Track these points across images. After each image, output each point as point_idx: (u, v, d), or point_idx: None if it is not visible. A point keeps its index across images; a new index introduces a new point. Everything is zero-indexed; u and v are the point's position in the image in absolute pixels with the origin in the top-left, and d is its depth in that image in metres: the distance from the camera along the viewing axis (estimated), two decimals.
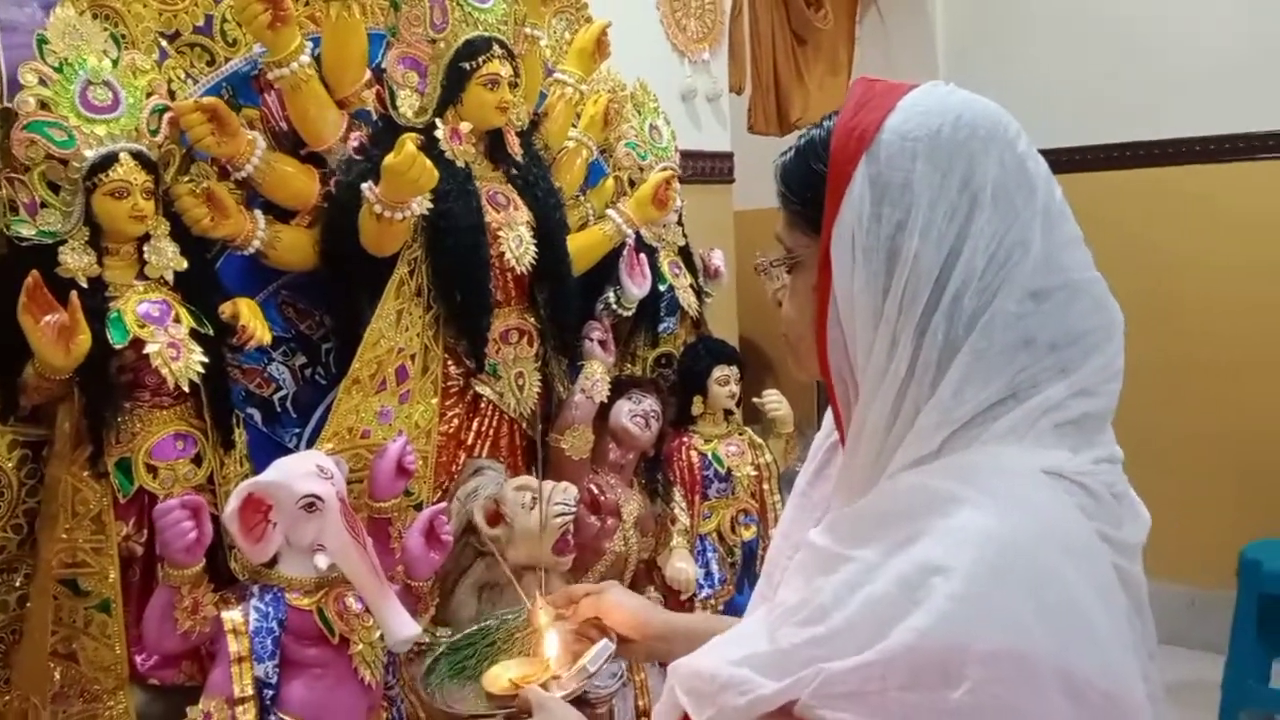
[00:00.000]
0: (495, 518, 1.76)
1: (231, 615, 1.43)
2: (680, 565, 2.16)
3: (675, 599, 2.18)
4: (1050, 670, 0.74)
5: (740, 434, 2.33)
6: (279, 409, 1.77)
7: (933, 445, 0.83)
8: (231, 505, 1.38)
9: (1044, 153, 0.89)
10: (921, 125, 0.84)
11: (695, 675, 0.94)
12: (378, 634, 1.49)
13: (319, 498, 1.43)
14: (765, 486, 2.32)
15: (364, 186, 1.61)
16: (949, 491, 0.80)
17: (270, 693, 1.41)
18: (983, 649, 0.73)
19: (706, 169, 3.06)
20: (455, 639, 1.25)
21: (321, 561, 1.44)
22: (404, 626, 1.43)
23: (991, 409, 0.83)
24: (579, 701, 1.13)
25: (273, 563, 1.47)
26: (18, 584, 1.53)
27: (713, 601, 2.24)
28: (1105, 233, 0.91)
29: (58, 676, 1.49)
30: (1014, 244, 0.83)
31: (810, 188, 0.88)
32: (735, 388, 2.27)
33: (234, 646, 1.41)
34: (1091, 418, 0.86)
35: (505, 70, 1.80)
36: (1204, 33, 3.67)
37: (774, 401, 2.38)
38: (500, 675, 1.14)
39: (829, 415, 1.02)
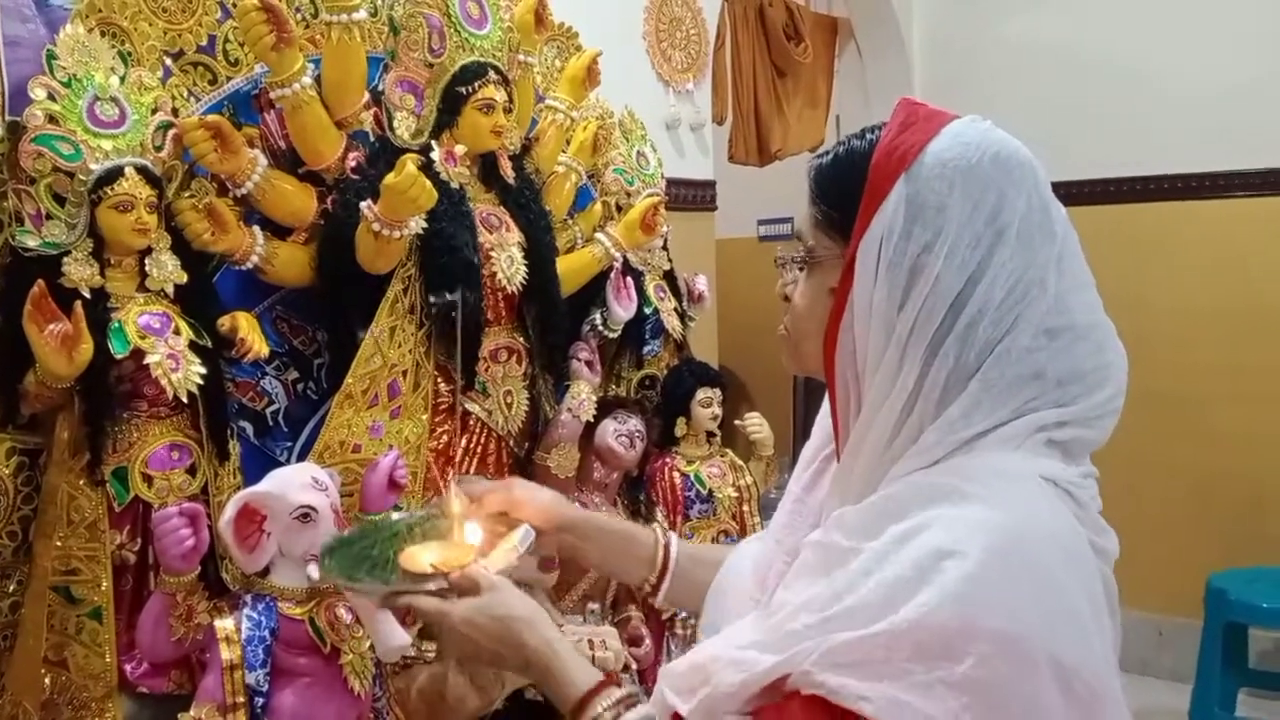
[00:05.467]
0: None
1: (224, 623, 1.45)
2: None
3: (656, 618, 2.21)
4: (1044, 657, 0.78)
5: (722, 456, 2.37)
6: (271, 423, 1.79)
7: (933, 458, 0.88)
8: (227, 515, 1.41)
9: None
10: (962, 155, 0.89)
11: (689, 669, 0.96)
12: (367, 644, 1.51)
13: (313, 509, 1.45)
14: (746, 508, 2.35)
15: (363, 205, 1.64)
16: (956, 487, 0.84)
17: (261, 700, 1.43)
18: (986, 627, 0.77)
19: (690, 196, 3.12)
20: (348, 533, 1.18)
21: (314, 571, 1.46)
22: (393, 636, 1.45)
23: (994, 428, 0.88)
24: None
25: (265, 572, 1.49)
26: (11, 590, 1.54)
27: (693, 622, 2.26)
28: None
29: (48, 683, 1.49)
30: (1031, 282, 0.88)
31: (844, 194, 0.92)
32: (718, 410, 2.31)
33: (226, 654, 1.43)
34: (1080, 443, 0.91)
35: (500, 95, 1.84)
36: (1174, 75, 3.79)
37: (755, 424, 2.43)
38: (418, 556, 1.07)
39: (819, 422, 1.06)
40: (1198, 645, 3.44)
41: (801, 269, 1.00)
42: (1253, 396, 3.78)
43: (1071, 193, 3.93)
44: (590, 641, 1.79)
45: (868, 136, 0.94)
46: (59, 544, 1.48)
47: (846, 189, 0.92)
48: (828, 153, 0.98)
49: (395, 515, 1.20)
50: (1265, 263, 3.74)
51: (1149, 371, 3.63)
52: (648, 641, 2.12)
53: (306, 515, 1.45)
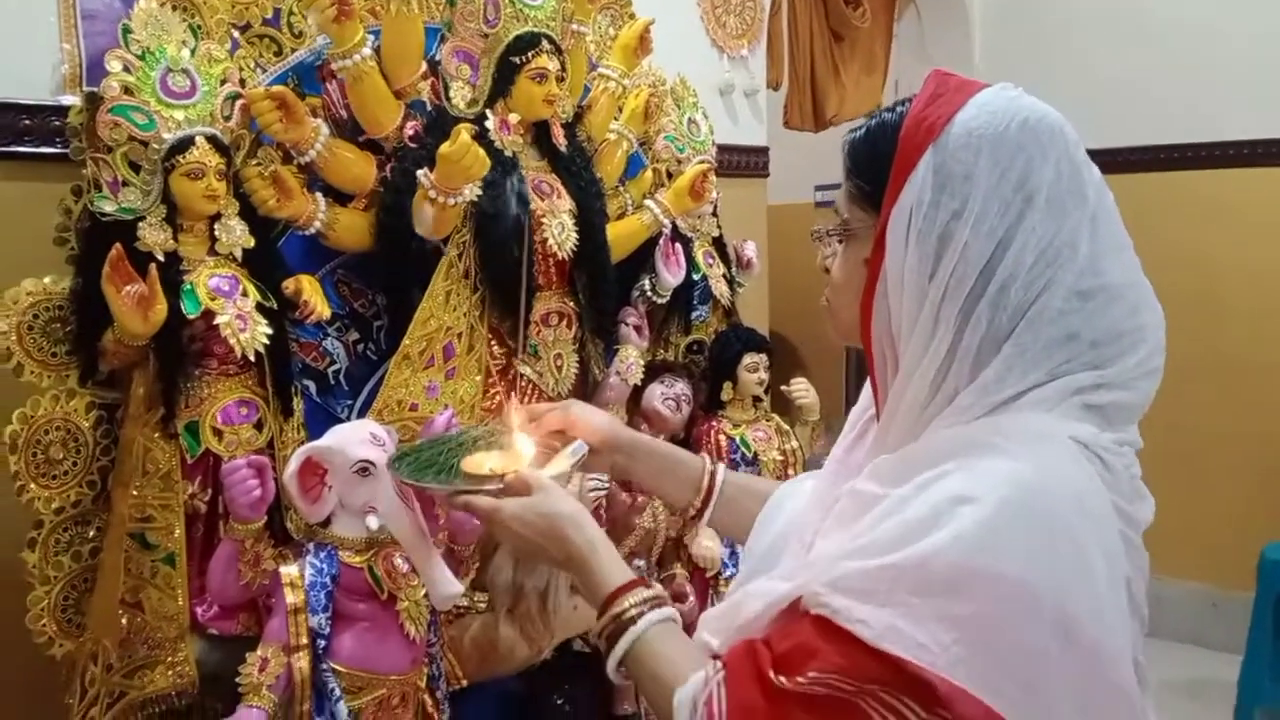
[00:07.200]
0: None
1: (289, 570, 1.53)
2: (707, 544, 2.24)
3: (701, 576, 2.27)
4: (1050, 605, 0.81)
5: (768, 420, 2.40)
6: (332, 381, 1.87)
7: (968, 419, 0.90)
8: (291, 467, 1.48)
9: None
10: (989, 124, 0.90)
11: (723, 610, 1.01)
12: (422, 592, 1.59)
13: (372, 463, 1.52)
14: (790, 472, 2.38)
15: (419, 173, 1.70)
16: (984, 440, 0.87)
17: (322, 643, 1.51)
18: (992, 571, 0.80)
19: (742, 163, 3.14)
20: (419, 443, 1.25)
21: (372, 522, 1.53)
22: (447, 584, 1.52)
23: (1028, 390, 0.90)
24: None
25: (326, 523, 1.57)
26: (90, 535, 1.63)
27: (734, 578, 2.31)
28: (1143, 234, 0.97)
29: (125, 623, 1.59)
30: (1063, 245, 0.89)
31: (876, 167, 0.94)
32: (764, 375, 2.34)
33: (291, 598, 1.50)
34: (1120, 408, 0.92)
35: (553, 65, 1.88)
36: (1243, 36, 3.69)
37: (801, 390, 2.45)
38: (481, 462, 1.15)
39: (866, 388, 1.09)
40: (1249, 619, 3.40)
41: (840, 241, 1.03)
42: None
43: (1131, 159, 3.88)
44: None
45: (898, 109, 0.96)
46: (135, 493, 1.57)
47: (877, 162, 0.94)
48: (861, 127, 1.00)
49: (458, 430, 1.28)
50: None
51: (1214, 340, 3.61)
52: (692, 598, 2.18)
53: (365, 469, 1.51)
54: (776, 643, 0.89)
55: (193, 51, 1.58)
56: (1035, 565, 0.81)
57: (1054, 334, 0.89)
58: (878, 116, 0.99)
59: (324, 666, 1.51)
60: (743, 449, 2.33)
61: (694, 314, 2.40)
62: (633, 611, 1.01)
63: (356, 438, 1.54)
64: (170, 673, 1.59)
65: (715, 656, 1.00)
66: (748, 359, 2.33)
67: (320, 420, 1.79)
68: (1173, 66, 3.81)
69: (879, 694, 0.83)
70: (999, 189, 0.89)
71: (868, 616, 0.83)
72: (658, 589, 1.05)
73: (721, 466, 1.33)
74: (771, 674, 0.87)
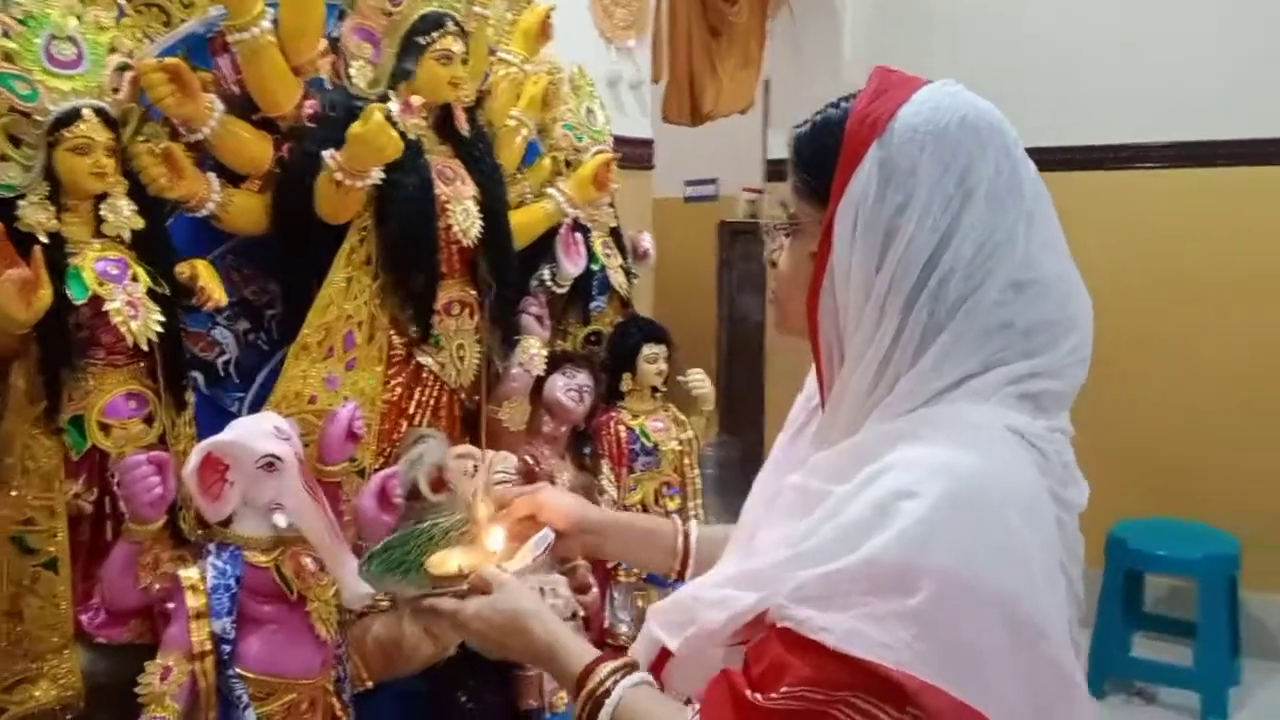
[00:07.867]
0: (439, 484, 1.80)
1: (189, 572, 1.44)
2: None
3: (602, 567, 2.26)
4: (991, 597, 0.83)
5: (665, 410, 2.41)
6: (222, 373, 1.77)
7: (907, 407, 0.93)
8: (191, 464, 1.40)
9: None
10: (930, 120, 0.93)
11: (672, 606, 1.03)
12: (332, 591, 1.53)
13: (278, 457, 1.45)
14: (687, 461, 2.41)
15: (326, 154, 1.63)
16: (921, 434, 0.89)
17: (227, 648, 1.43)
18: (935, 565, 0.83)
19: (628, 154, 3.12)
20: (389, 539, 1.25)
21: (280, 520, 1.47)
22: (359, 583, 1.47)
23: (964, 379, 0.93)
24: None
25: (227, 522, 1.49)
26: None
27: (635, 570, 2.31)
28: None
29: (4, 633, 1.47)
30: (1000, 240, 0.92)
31: (821, 162, 0.96)
32: (663, 365, 2.35)
33: (192, 602, 1.42)
34: (1051, 395, 0.96)
35: (458, 46, 1.83)
36: (1112, 42, 3.90)
37: (698, 380, 2.48)
38: (446, 560, 1.17)
39: (807, 381, 1.11)
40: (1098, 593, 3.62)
41: (787, 235, 1.04)
42: (1160, 362, 3.97)
43: None
44: (541, 590, 1.83)
45: (843, 105, 0.99)
46: (15, 493, 1.45)
47: (823, 157, 0.96)
48: (807, 122, 1.02)
49: (428, 522, 1.26)
50: (1175, 233, 3.91)
51: None
52: (595, 589, 2.17)
53: (271, 464, 1.45)
54: (753, 664, 0.91)
55: (79, 18, 1.46)
56: (973, 557, 0.84)
57: (988, 324, 0.92)
58: (823, 112, 1.01)
59: (230, 673, 1.43)
60: (642, 439, 2.33)
61: (592, 304, 2.38)
62: (607, 684, 1.02)
63: (260, 431, 1.48)
64: (54, 686, 1.48)
65: (666, 654, 1.02)
66: (647, 350, 2.33)
67: (209, 414, 1.69)
68: (1042, 69, 3.96)
69: (851, 700, 0.84)
70: (941, 183, 0.92)
71: (829, 623, 0.84)
72: (625, 658, 1.06)
73: (693, 524, 1.35)
74: (748, 693, 0.88)
